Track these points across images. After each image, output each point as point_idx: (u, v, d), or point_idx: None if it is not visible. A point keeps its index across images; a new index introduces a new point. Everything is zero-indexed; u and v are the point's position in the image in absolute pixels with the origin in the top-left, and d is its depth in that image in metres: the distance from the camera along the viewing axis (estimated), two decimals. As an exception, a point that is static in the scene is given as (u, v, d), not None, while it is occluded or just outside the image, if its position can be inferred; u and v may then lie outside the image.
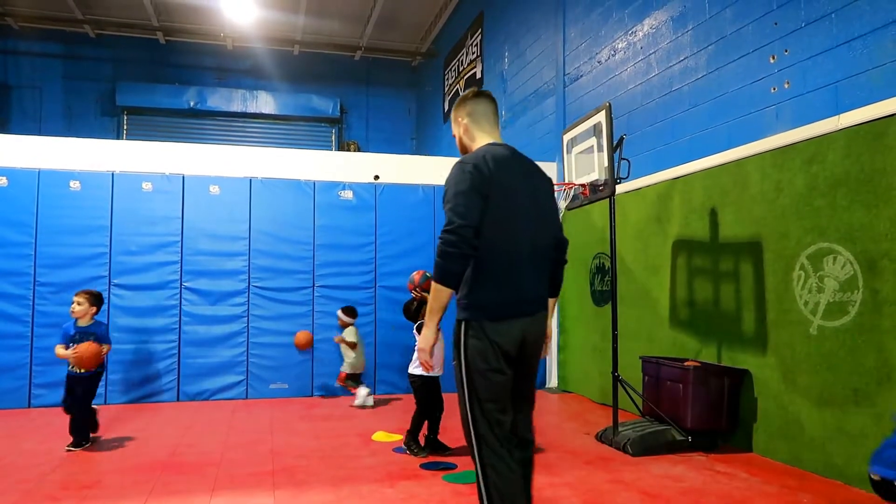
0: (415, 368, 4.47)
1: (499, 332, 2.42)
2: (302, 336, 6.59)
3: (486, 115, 2.70)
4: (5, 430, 5.24)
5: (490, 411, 2.41)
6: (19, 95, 11.99)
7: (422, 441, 4.51)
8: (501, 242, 2.44)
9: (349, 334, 6.38)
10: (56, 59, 12.26)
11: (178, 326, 6.62)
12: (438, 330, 2.60)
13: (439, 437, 4.55)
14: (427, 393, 4.47)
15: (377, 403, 6.46)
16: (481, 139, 2.68)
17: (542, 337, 2.62)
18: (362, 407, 6.26)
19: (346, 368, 6.41)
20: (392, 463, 4.25)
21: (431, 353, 2.53)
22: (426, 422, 4.53)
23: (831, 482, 3.83)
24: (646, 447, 4.48)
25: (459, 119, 2.73)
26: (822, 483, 3.83)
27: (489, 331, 2.41)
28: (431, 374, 4.40)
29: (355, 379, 6.42)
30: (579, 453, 4.56)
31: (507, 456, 2.40)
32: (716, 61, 5.14)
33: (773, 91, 4.57)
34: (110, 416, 5.83)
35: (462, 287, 2.47)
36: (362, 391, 6.33)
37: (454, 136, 2.79)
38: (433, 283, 2.43)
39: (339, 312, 6.57)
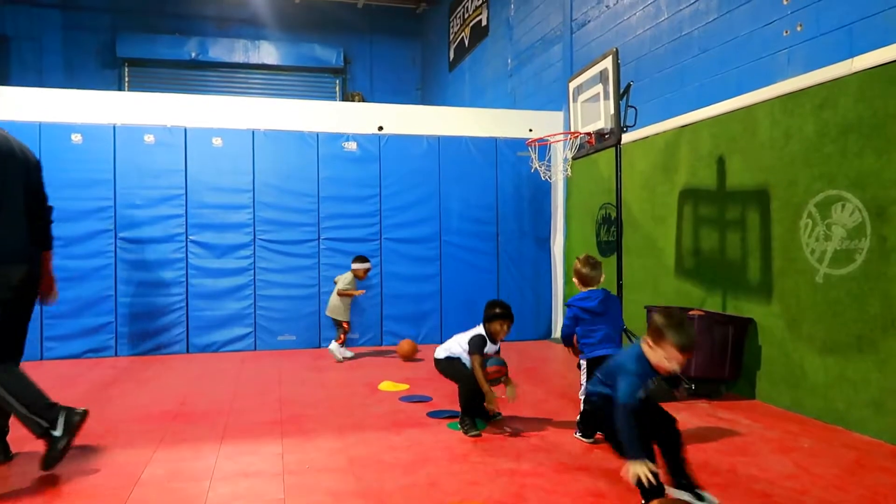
0: (441, 353, 4.15)
1: (7, 272, 3.16)
2: None
3: None
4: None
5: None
6: (18, 47, 11.81)
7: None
8: (6, 202, 3.18)
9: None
10: (54, 8, 12.03)
11: (185, 279, 6.66)
12: None
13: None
14: (456, 371, 4.09)
15: (383, 354, 6.55)
16: None
17: (38, 280, 3.34)
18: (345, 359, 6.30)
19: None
20: (398, 411, 4.32)
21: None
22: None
23: (832, 427, 3.87)
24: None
25: None
26: (823, 428, 3.87)
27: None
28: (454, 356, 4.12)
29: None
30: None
31: (10, 363, 3.21)
32: (727, 4, 4.98)
33: (785, 34, 4.44)
34: (121, 367, 5.93)
35: None
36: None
37: None
38: None
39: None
